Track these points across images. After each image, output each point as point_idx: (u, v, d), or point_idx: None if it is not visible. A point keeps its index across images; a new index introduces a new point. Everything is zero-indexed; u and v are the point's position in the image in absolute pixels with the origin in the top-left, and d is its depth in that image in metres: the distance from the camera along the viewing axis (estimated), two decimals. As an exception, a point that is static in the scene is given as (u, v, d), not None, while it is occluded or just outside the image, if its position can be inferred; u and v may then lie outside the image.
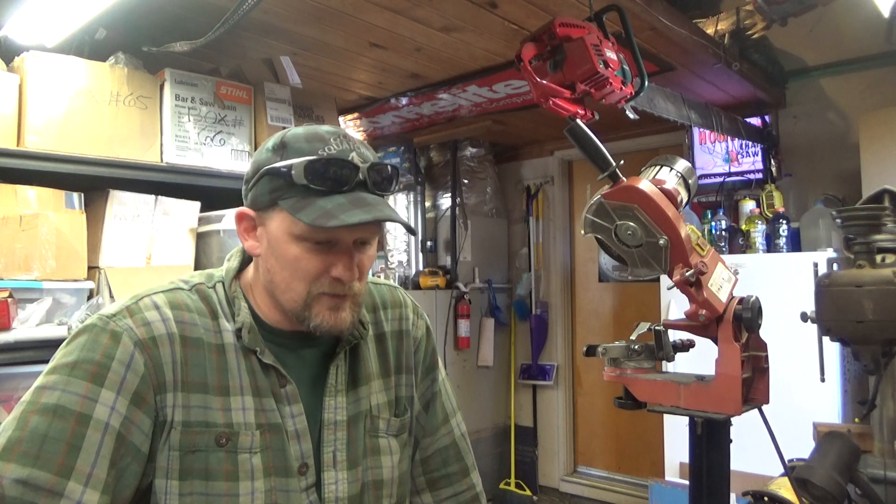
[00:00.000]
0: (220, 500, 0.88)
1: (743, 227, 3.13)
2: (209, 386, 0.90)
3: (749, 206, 3.22)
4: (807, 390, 2.35)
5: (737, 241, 3.13)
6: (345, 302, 0.93)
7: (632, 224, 1.05)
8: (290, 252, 0.91)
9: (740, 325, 1.04)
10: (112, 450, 0.82)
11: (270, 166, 0.90)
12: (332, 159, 0.89)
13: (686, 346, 1.13)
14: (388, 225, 4.51)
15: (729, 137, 3.44)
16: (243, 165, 2.36)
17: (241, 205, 0.98)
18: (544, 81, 1.26)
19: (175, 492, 0.87)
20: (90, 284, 2.04)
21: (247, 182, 0.96)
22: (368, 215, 0.87)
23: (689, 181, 1.15)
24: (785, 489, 1.23)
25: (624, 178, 1.07)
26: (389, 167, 0.95)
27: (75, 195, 2.04)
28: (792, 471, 1.15)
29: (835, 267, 1.32)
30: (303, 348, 0.99)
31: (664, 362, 1.14)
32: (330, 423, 0.97)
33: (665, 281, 2.87)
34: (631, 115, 1.47)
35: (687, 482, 1.10)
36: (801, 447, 1.35)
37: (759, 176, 3.47)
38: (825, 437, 1.27)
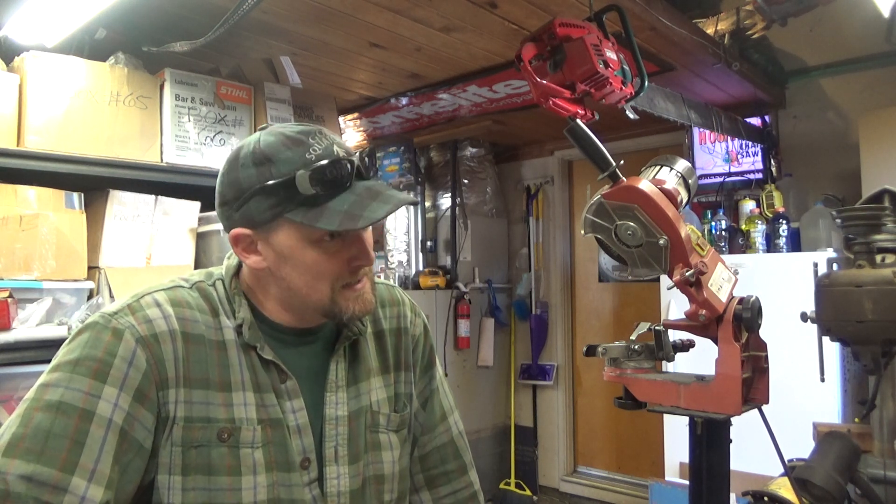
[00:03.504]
0: (222, 495, 0.88)
1: (743, 227, 3.13)
2: (211, 382, 0.91)
3: (749, 206, 3.22)
4: (807, 390, 2.35)
5: (737, 241, 3.13)
6: (366, 285, 0.97)
7: (632, 224, 1.05)
8: (309, 257, 0.92)
9: (740, 325, 1.04)
10: (115, 446, 0.82)
11: (265, 184, 0.89)
12: (330, 163, 0.90)
13: (686, 346, 1.13)
14: (388, 224, 4.52)
15: (729, 137, 3.44)
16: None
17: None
18: (544, 81, 1.25)
19: (178, 487, 0.87)
20: (90, 284, 2.04)
21: (227, 203, 0.93)
22: (389, 205, 0.91)
23: (689, 181, 1.15)
24: (785, 489, 1.23)
25: (624, 178, 1.07)
26: (362, 152, 0.98)
27: (75, 195, 2.04)
28: (792, 471, 1.15)
29: (835, 267, 1.32)
30: (302, 344, 1.00)
31: (664, 362, 1.14)
32: (331, 418, 0.98)
33: (665, 281, 2.87)
34: (631, 115, 1.47)
35: (687, 482, 1.10)
36: (801, 447, 1.35)
37: (759, 176, 3.47)
38: (825, 437, 1.27)
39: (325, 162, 0.89)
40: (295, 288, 0.94)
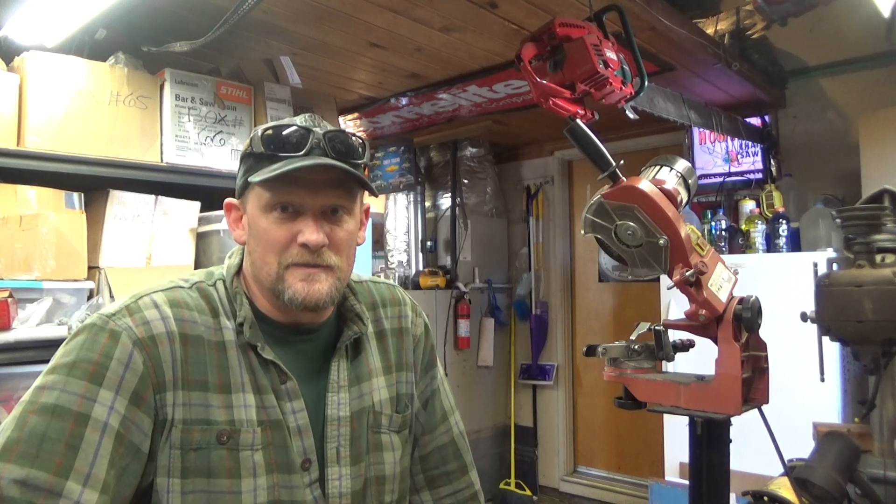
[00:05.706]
0: (222, 498, 0.88)
1: (743, 227, 3.13)
2: (210, 384, 0.90)
3: (749, 206, 3.22)
4: (807, 390, 2.35)
5: (737, 241, 3.13)
6: (318, 273, 0.93)
7: (632, 224, 1.05)
8: (261, 226, 0.93)
9: (740, 325, 1.04)
10: (111, 449, 0.82)
11: (242, 151, 0.96)
12: (284, 124, 0.93)
13: (686, 346, 1.13)
14: (388, 224, 4.52)
15: (729, 137, 3.44)
16: (243, 165, 2.36)
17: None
18: (544, 81, 1.26)
19: (177, 490, 0.87)
20: (90, 284, 2.04)
21: (236, 179, 1.01)
22: (311, 161, 0.89)
23: (689, 181, 1.15)
24: (785, 489, 1.23)
25: (624, 178, 1.07)
26: (352, 136, 0.96)
27: (75, 195, 2.04)
28: (792, 471, 1.14)
29: (835, 267, 1.32)
30: (303, 343, 1.00)
31: (664, 362, 1.14)
32: (333, 418, 0.98)
33: (665, 281, 2.87)
34: (631, 115, 1.47)
35: (687, 482, 1.10)
36: (801, 447, 1.34)
37: (759, 176, 3.47)
38: (825, 437, 1.27)
39: (278, 124, 0.93)
40: (255, 262, 0.95)
